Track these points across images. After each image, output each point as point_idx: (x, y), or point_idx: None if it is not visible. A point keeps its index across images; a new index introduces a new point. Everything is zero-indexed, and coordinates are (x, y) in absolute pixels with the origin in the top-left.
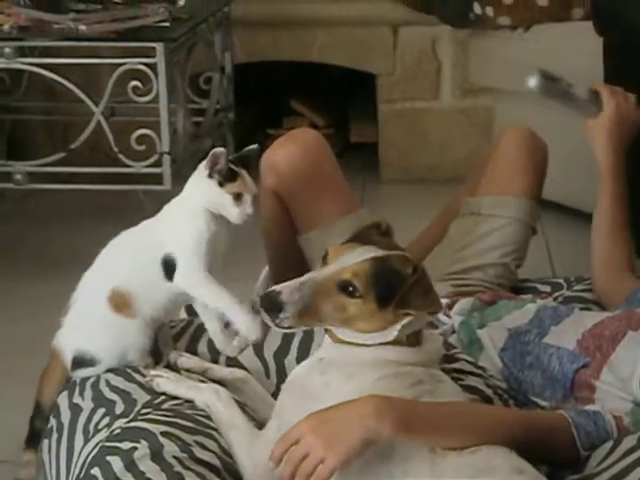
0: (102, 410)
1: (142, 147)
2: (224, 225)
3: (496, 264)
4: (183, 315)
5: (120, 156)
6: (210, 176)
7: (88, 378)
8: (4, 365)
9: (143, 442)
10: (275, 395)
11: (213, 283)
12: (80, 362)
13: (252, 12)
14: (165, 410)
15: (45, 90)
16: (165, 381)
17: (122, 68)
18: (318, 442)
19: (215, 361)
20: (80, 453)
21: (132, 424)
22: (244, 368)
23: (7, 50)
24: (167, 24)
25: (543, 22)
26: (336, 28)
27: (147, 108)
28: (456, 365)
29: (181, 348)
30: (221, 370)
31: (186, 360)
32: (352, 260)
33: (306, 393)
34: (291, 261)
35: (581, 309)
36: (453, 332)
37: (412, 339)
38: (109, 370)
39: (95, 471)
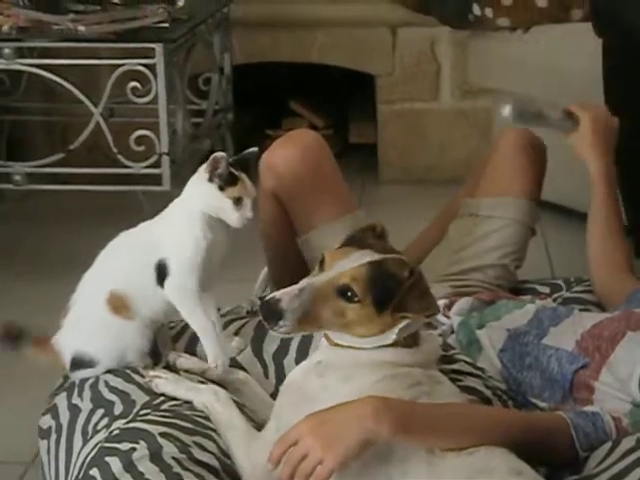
0: (101, 411)
1: (141, 148)
2: (223, 229)
3: (495, 265)
4: None
5: (119, 157)
6: (210, 180)
7: (87, 379)
8: (3, 366)
9: (142, 443)
10: (274, 396)
11: (196, 303)
12: (79, 363)
13: (251, 13)
14: (164, 411)
15: (44, 91)
16: (164, 382)
17: (121, 69)
18: (317, 443)
19: None
20: (79, 454)
21: (131, 425)
22: (243, 369)
23: (6, 51)
24: (166, 25)
25: (542, 23)
26: (335, 29)
27: (146, 109)
28: (455, 366)
29: (180, 349)
30: (216, 370)
31: (185, 361)
32: (349, 265)
33: (304, 395)
34: (290, 262)
35: (580, 310)
36: (452, 332)
37: (409, 340)
38: (108, 371)
39: (94, 472)
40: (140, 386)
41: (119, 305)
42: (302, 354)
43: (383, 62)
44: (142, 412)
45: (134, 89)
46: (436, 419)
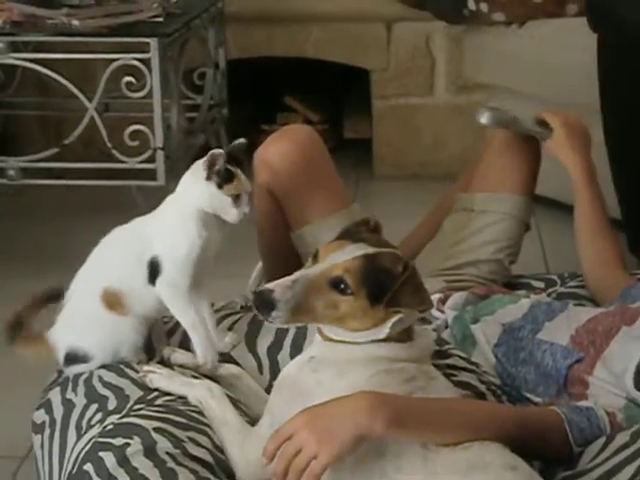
0: (95, 406)
1: (136, 143)
2: (217, 225)
3: (490, 260)
4: None
5: (114, 152)
6: (208, 178)
7: (81, 374)
8: None
9: (136, 438)
10: (268, 391)
11: (187, 301)
12: (73, 358)
13: (246, 7)
14: (158, 406)
15: (38, 85)
16: (158, 377)
17: (116, 64)
18: (311, 437)
19: None
20: (73, 449)
21: (125, 420)
22: (237, 364)
23: (0, 45)
24: (161, 19)
25: (537, 18)
26: (330, 24)
27: (141, 104)
28: (449, 361)
29: (174, 344)
30: (206, 366)
31: (179, 356)
32: (343, 257)
33: (298, 391)
34: (284, 257)
35: (575, 305)
36: (446, 327)
37: (403, 335)
38: (102, 366)
39: (88, 467)
40: (134, 381)
41: (113, 301)
42: (296, 349)
43: (378, 57)
44: (136, 407)
45: (129, 84)
46: (430, 414)
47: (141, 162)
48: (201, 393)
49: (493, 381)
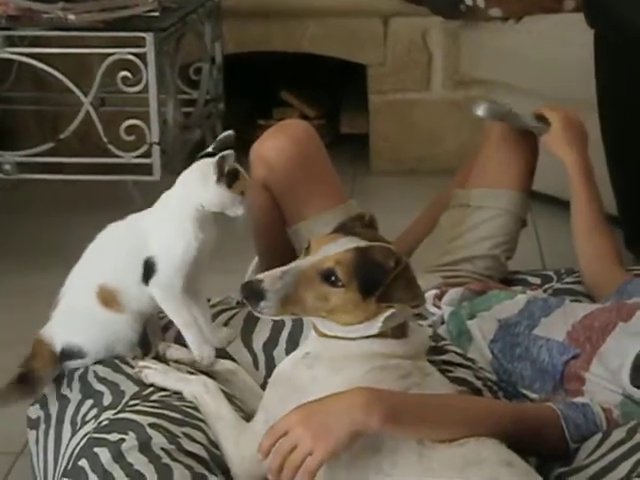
0: (90, 401)
1: (131, 137)
2: (214, 222)
3: (486, 256)
4: None
5: (109, 146)
6: (219, 180)
7: (76, 369)
8: None
9: (131, 434)
10: (264, 387)
11: (180, 302)
12: (68, 354)
13: (242, 2)
14: (153, 402)
15: (35, 80)
16: (153, 372)
17: (111, 58)
18: (307, 434)
19: None
20: (68, 445)
21: (120, 415)
22: (232, 360)
23: None
24: (157, 14)
25: (534, 13)
26: (327, 19)
27: (137, 98)
28: (445, 357)
29: (170, 339)
30: (202, 363)
31: (175, 351)
32: (335, 250)
33: (293, 387)
34: (280, 252)
35: (571, 301)
36: (442, 323)
37: (398, 331)
38: (97, 361)
39: (83, 462)
40: (129, 377)
41: (109, 298)
42: (292, 345)
43: (375, 52)
44: (131, 403)
45: (124, 78)
46: (426, 410)
47: (137, 157)
48: (196, 389)
49: (489, 377)
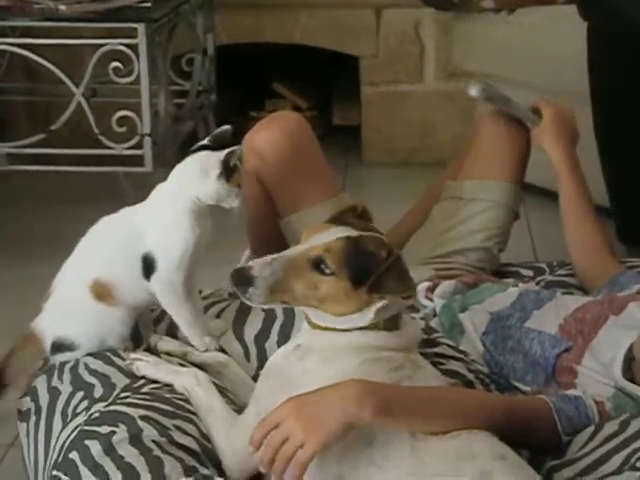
0: (81, 394)
1: (123, 129)
2: (209, 215)
3: (478, 248)
4: None
5: (101, 138)
6: (221, 174)
7: (67, 361)
8: None
9: (122, 426)
10: (255, 379)
11: (181, 296)
12: (59, 347)
13: None
14: (144, 394)
15: (26, 71)
16: (145, 365)
17: (103, 49)
18: (298, 425)
19: None
20: (58, 437)
21: (111, 408)
22: (224, 352)
23: None
24: (148, 4)
25: (527, 5)
26: (319, 10)
27: (128, 89)
28: (437, 349)
29: (161, 331)
30: (201, 353)
31: (166, 343)
32: (325, 238)
33: (284, 379)
34: (272, 244)
35: (563, 293)
36: (435, 315)
37: (390, 324)
38: (88, 354)
39: (73, 455)
40: (120, 369)
41: (103, 292)
42: (284, 337)
43: (367, 43)
44: (122, 395)
45: (116, 69)
46: (419, 402)
47: (128, 148)
48: (188, 381)
49: (481, 369)
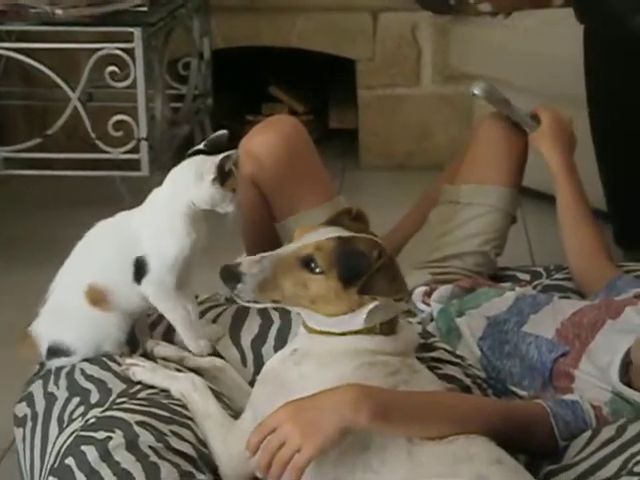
0: (77, 399)
1: (119, 133)
2: (204, 219)
3: (475, 252)
4: None
5: (97, 142)
6: (215, 179)
7: (63, 367)
8: None
9: (118, 432)
10: (252, 384)
11: (173, 299)
12: (55, 352)
13: None
14: (141, 399)
15: (22, 75)
16: (141, 370)
17: (99, 53)
18: (295, 430)
19: None
20: (54, 442)
21: (107, 413)
22: (221, 357)
23: None
24: (145, 9)
25: (524, 8)
26: (315, 14)
27: (125, 94)
28: (434, 354)
29: (157, 336)
30: (198, 358)
31: (162, 348)
32: (316, 238)
33: (281, 384)
34: (268, 248)
35: (560, 298)
36: (432, 320)
37: (387, 328)
38: (84, 359)
39: (69, 461)
40: (117, 374)
41: (98, 298)
42: (280, 342)
43: (364, 47)
44: (118, 400)
45: (112, 73)
46: (416, 408)
47: (125, 152)
48: (184, 386)
49: (478, 374)
